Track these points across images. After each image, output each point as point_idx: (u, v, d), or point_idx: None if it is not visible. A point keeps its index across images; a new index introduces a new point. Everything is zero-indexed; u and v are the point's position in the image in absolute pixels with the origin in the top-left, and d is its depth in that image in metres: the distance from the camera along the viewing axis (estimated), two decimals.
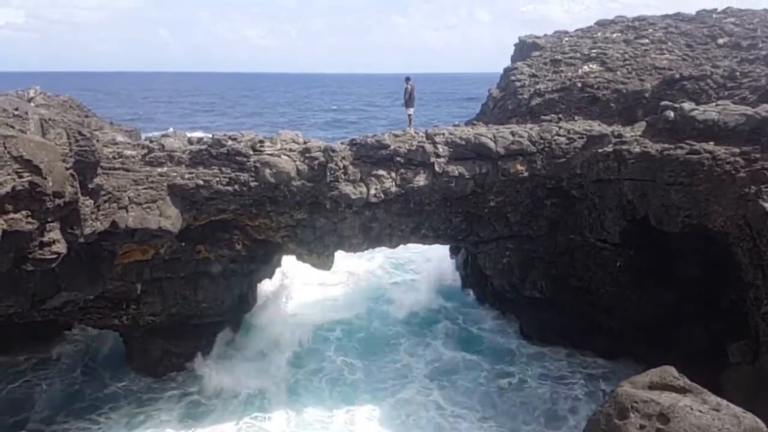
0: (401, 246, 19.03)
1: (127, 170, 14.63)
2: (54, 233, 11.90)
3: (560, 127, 17.71)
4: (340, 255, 18.40)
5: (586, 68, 22.04)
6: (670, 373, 5.14)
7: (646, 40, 23.80)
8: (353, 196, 16.25)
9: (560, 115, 20.01)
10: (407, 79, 20.65)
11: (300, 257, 18.05)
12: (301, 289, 23.08)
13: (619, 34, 25.24)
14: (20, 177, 10.68)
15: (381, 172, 16.59)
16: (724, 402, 4.76)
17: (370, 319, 21.28)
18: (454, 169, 16.74)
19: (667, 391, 4.94)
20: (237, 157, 15.72)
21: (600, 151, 16.47)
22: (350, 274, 24.86)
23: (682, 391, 4.93)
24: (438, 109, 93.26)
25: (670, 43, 23.30)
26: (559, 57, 23.69)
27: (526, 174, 17.07)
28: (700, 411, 4.65)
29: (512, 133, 17.22)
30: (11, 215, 10.83)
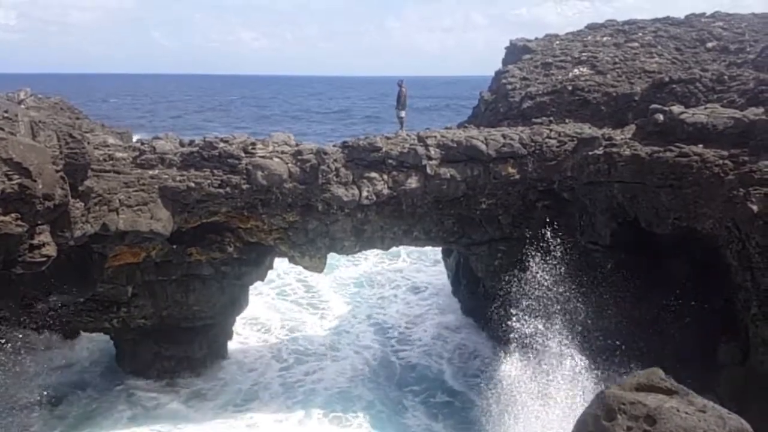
0: None
1: (118, 172, 14.59)
2: (44, 236, 11.88)
3: (551, 130, 17.79)
4: None
5: (576, 71, 22.16)
6: (657, 374, 5.20)
7: (636, 44, 23.98)
8: (345, 198, 16.27)
9: (551, 118, 20.09)
10: (400, 82, 21.03)
11: (292, 259, 18.04)
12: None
13: (609, 38, 25.40)
14: (10, 179, 10.66)
15: (373, 174, 16.61)
16: (710, 403, 4.83)
17: None
18: (446, 172, 16.79)
19: (654, 392, 5.01)
20: (229, 160, 15.70)
21: (590, 153, 16.55)
22: None
23: (668, 392, 4.99)
24: (430, 112, 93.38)
25: (659, 47, 23.49)
26: (550, 60, 23.82)
27: (517, 176, 17.14)
28: (687, 412, 4.72)
29: (503, 136, 17.29)
30: (0, 218, 10.79)
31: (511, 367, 14.66)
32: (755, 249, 12.48)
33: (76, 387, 17.32)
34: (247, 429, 15.62)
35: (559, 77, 22.06)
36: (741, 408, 5.99)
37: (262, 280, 19.46)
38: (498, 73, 24.88)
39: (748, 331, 12.91)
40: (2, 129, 11.03)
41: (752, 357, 12.69)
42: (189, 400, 16.85)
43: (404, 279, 26.91)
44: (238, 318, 19.92)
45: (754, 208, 12.32)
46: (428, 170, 16.66)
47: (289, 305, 23.79)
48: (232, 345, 19.87)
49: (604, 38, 25.50)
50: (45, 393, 16.53)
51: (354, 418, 16.09)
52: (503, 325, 16.57)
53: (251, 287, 19.62)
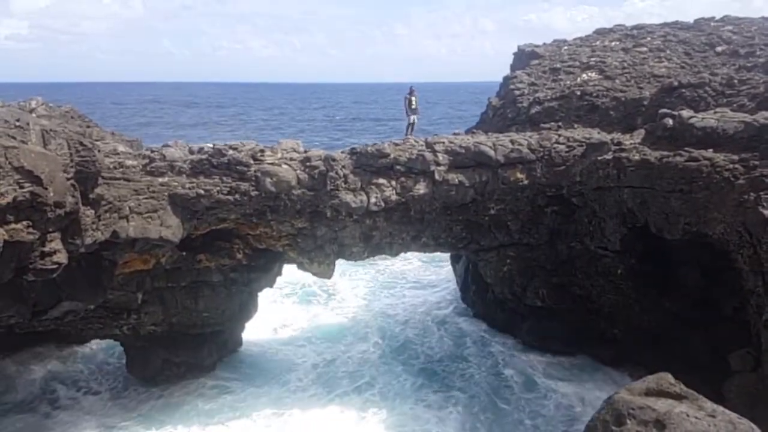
0: None
1: (128, 180, 14.68)
2: (55, 243, 11.96)
3: (560, 135, 17.75)
4: None
5: (584, 76, 22.12)
6: (666, 379, 5.13)
7: (645, 48, 23.91)
8: (354, 205, 16.30)
9: (559, 123, 20.07)
10: (411, 89, 21.44)
11: (301, 266, 18.08)
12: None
13: (618, 43, 25.36)
14: (21, 187, 10.74)
15: (381, 180, 16.64)
16: (720, 408, 4.77)
17: None
18: (454, 178, 16.78)
19: (664, 397, 4.95)
20: (238, 167, 15.77)
21: (599, 158, 16.51)
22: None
23: (678, 397, 4.94)
24: (438, 118, 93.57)
25: (668, 51, 23.41)
26: (558, 65, 23.80)
27: (525, 182, 17.10)
28: (696, 417, 4.66)
29: (512, 141, 17.27)
30: (12, 225, 10.89)
31: None
32: (767, 254, 12.36)
33: (85, 391, 17.53)
34: (276, 421, 15.81)
35: (568, 82, 22.03)
36: (753, 415, 5.91)
37: (271, 286, 19.52)
38: (506, 79, 24.87)
39: (761, 337, 12.76)
40: (14, 137, 11.16)
41: (765, 363, 12.53)
42: (206, 401, 16.90)
43: (414, 277, 27.24)
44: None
45: (765, 212, 12.23)
46: (436, 176, 16.66)
47: (304, 300, 24.20)
48: (246, 342, 20.10)
49: (613, 43, 25.46)
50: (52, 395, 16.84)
51: (375, 408, 16.29)
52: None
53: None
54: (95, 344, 19.66)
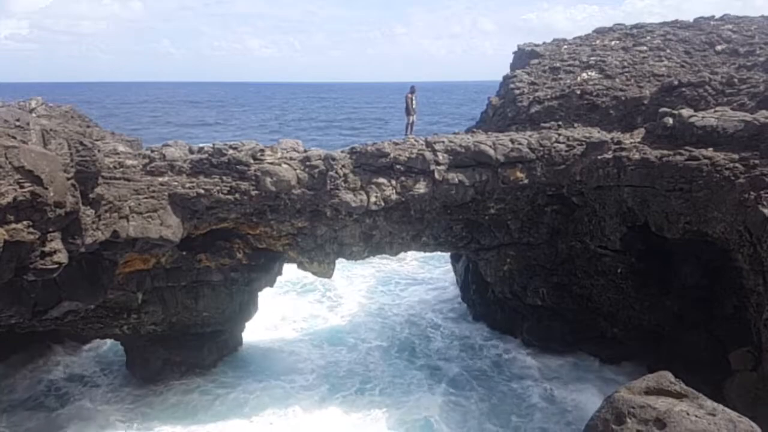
0: None
1: (128, 180, 14.69)
2: (55, 243, 11.96)
3: (560, 134, 17.74)
4: None
5: (584, 75, 22.12)
6: (666, 378, 5.14)
7: (645, 48, 23.92)
8: (354, 204, 16.29)
9: (560, 123, 20.07)
10: (412, 87, 21.47)
11: (301, 265, 18.09)
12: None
13: (618, 42, 25.36)
14: (21, 187, 10.74)
15: (381, 180, 16.63)
16: (720, 406, 4.77)
17: None
18: (454, 177, 16.77)
19: (664, 396, 4.95)
20: (238, 166, 15.78)
21: (599, 157, 16.50)
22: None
23: (678, 395, 4.94)
24: (438, 117, 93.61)
25: (668, 50, 23.42)
26: (558, 65, 23.80)
27: (526, 181, 17.09)
28: (696, 416, 4.66)
29: (512, 141, 17.26)
30: (12, 225, 10.89)
31: None
32: (767, 253, 12.36)
33: (91, 385, 17.63)
34: (278, 420, 15.87)
35: (568, 81, 22.03)
36: (753, 414, 5.91)
37: (271, 286, 19.54)
38: (506, 78, 24.86)
39: (762, 336, 12.76)
40: (14, 137, 11.15)
41: (765, 362, 12.53)
42: (207, 400, 16.90)
43: (412, 275, 27.36)
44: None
45: (766, 211, 12.23)
46: (436, 175, 16.66)
47: (304, 299, 24.33)
48: (247, 341, 20.14)
49: (613, 42, 25.47)
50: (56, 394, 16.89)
51: (377, 406, 16.37)
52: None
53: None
54: (99, 342, 19.72)
